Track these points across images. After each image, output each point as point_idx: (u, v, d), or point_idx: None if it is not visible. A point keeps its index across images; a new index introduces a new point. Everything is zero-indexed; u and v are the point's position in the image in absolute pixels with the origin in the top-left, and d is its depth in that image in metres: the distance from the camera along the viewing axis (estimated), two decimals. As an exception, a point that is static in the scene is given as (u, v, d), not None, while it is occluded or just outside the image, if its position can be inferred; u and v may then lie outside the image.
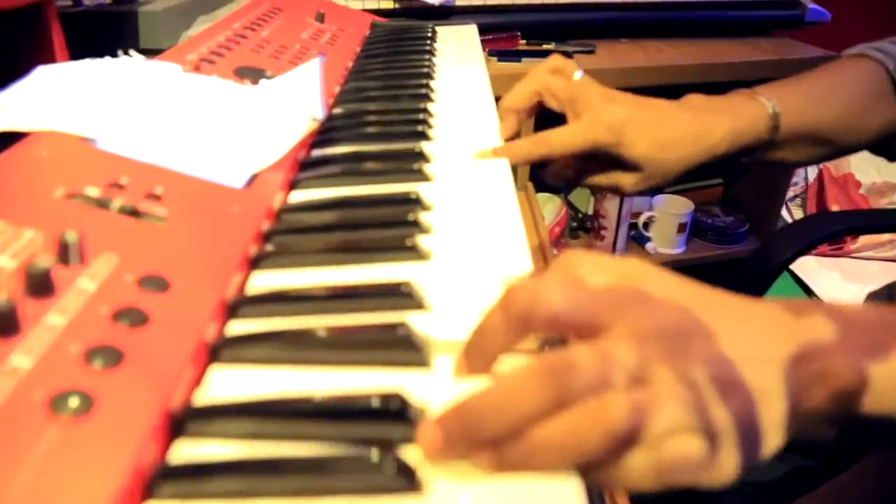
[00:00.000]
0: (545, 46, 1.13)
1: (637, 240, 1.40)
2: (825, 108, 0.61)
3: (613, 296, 0.27)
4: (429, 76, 0.68)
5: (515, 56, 1.09)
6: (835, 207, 2.18)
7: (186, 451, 0.26)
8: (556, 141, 0.54)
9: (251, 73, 0.60)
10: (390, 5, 1.07)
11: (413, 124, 0.54)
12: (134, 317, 0.29)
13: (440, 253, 0.37)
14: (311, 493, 0.24)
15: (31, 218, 0.33)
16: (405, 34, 0.87)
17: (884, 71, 0.62)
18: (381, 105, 0.60)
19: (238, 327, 0.32)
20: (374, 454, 0.24)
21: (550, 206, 1.28)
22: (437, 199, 0.43)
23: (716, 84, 1.19)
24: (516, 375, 0.25)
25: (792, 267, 2.06)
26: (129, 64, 0.54)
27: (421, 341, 0.30)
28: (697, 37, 1.26)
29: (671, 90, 1.15)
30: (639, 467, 0.24)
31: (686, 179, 1.52)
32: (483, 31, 1.08)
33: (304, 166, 0.49)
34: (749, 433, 0.26)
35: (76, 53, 0.86)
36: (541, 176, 0.58)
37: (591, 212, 1.40)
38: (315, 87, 0.49)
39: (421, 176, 0.45)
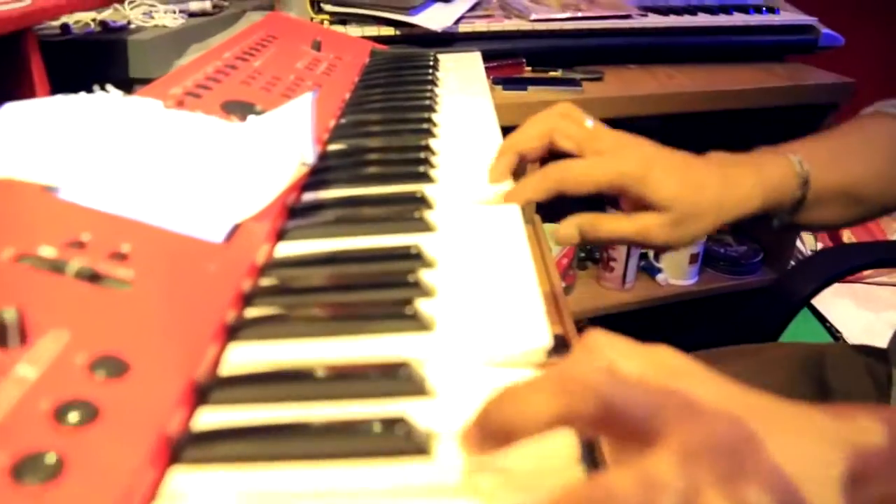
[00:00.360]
0: (552, 74, 1.09)
1: (647, 271, 1.35)
2: (854, 165, 0.58)
3: (661, 398, 0.22)
4: (431, 108, 0.64)
5: (521, 84, 1.05)
6: (846, 233, 2.14)
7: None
8: (578, 172, 0.48)
9: (240, 108, 0.56)
10: (391, 32, 1.03)
11: (414, 164, 0.49)
12: (82, 411, 0.25)
13: (444, 321, 0.32)
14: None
15: (-29, 286, 0.29)
16: (406, 62, 0.83)
17: None
18: (379, 141, 0.56)
19: (209, 417, 0.27)
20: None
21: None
22: (441, 252, 0.38)
23: (730, 111, 1.15)
24: (554, 495, 0.20)
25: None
26: (105, 100, 0.49)
27: (422, 437, 0.25)
28: (709, 62, 1.22)
29: (683, 119, 1.11)
30: None
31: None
32: (487, 57, 1.04)
33: (294, 213, 0.44)
34: None
35: (63, 84, 0.82)
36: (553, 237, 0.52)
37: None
38: (306, 127, 0.45)
39: (423, 225, 0.41)
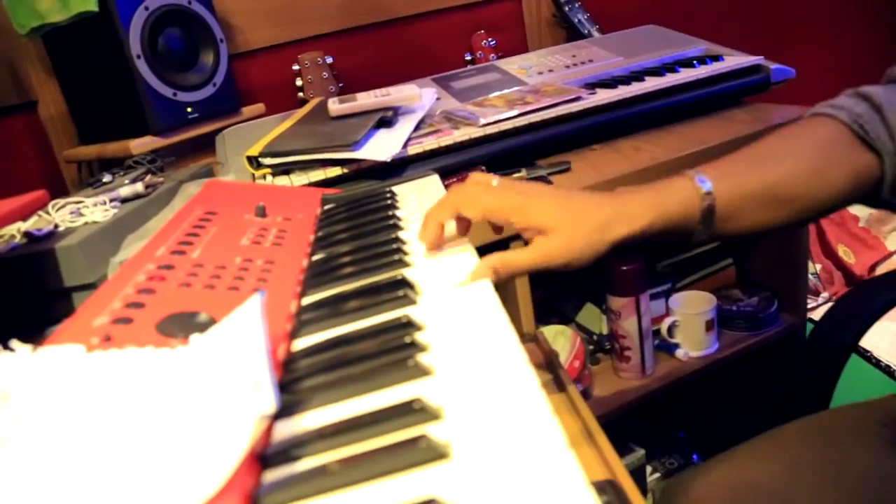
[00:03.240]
0: (516, 175, 1.02)
1: (665, 349, 1.25)
2: (774, 167, 0.62)
3: None
4: (402, 262, 0.56)
5: (486, 192, 0.97)
6: (840, 247, 2.08)
7: None
8: (469, 197, 0.58)
9: (180, 324, 0.46)
10: (338, 172, 0.96)
11: (403, 350, 0.40)
12: None
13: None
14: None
15: None
16: (363, 206, 0.75)
17: (840, 123, 0.63)
18: (355, 321, 0.47)
19: None
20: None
21: (562, 339, 1.14)
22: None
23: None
24: None
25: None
26: (11, 363, 0.40)
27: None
28: (669, 124, 1.17)
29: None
30: None
31: (694, 269, 1.39)
32: (445, 174, 0.98)
33: (267, 460, 0.34)
34: None
35: (7, 307, 0.73)
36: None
37: (605, 331, 1.25)
38: (261, 358, 0.35)
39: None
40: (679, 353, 1.23)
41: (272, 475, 0.33)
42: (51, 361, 0.40)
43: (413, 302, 0.48)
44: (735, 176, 0.62)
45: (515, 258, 0.56)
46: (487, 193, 0.58)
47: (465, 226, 0.61)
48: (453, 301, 0.48)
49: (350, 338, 0.44)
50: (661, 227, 0.59)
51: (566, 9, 1.72)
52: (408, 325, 0.43)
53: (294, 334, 0.49)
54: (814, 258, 2.12)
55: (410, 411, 0.33)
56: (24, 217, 0.78)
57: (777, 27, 2.17)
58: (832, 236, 2.10)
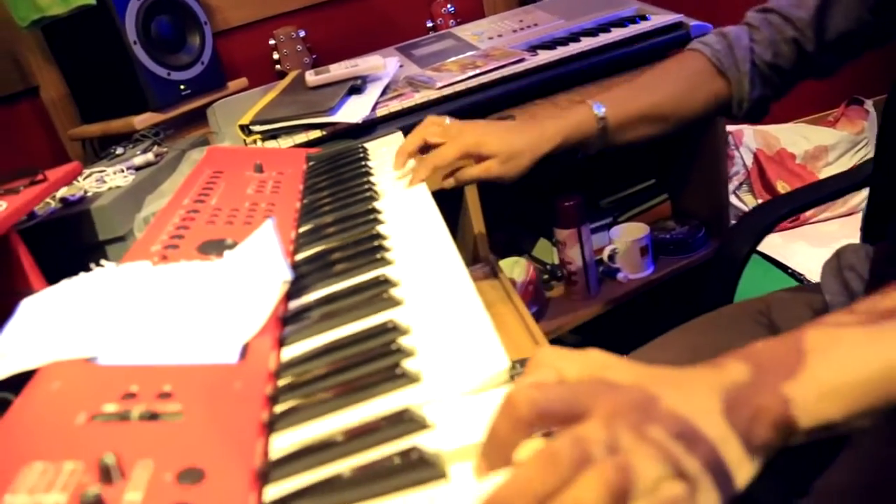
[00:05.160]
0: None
1: (608, 273, 1.45)
2: (651, 94, 0.83)
3: (585, 388, 0.33)
4: (373, 198, 0.74)
5: (444, 145, 1.16)
6: (779, 183, 2.28)
7: None
8: (441, 155, 0.77)
9: (214, 247, 0.65)
10: (318, 134, 1.14)
11: (373, 252, 0.59)
12: (183, 513, 0.33)
13: (428, 370, 0.42)
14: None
15: (65, 450, 0.37)
16: (340, 160, 0.93)
17: (704, 57, 0.82)
18: (337, 241, 0.65)
19: (274, 491, 0.36)
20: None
21: (518, 269, 1.33)
22: (411, 320, 0.47)
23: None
24: (524, 468, 0.30)
25: (760, 248, 2.13)
26: (104, 274, 0.58)
27: (434, 458, 0.34)
28: (603, 79, 1.35)
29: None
30: None
31: (633, 204, 1.59)
32: (408, 132, 1.16)
33: (286, 321, 0.53)
34: (719, 471, 0.31)
35: (44, 262, 0.90)
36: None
37: (556, 261, 1.45)
38: (276, 251, 0.54)
39: (392, 302, 0.50)
40: (620, 276, 1.43)
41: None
42: (131, 270, 0.59)
43: (381, 222, 0.67)
44: (622, 102, 0.82)
45: (468, 171, 0.79)
46: (445, 126, 0.80)
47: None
48: (412, 222, 0.67)
49: (331, 249, 0.63)
50: (568, 144, 0.80)
51: (516, -26, 1.88)
52: (377, 237, 0.62)
53: (296, 252, 0.68)
54: (755, 193, 2.33)
55: (385, 330, 0.47)
56: (67, 184, 0.95)
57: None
58: (772, 173, 2.30)
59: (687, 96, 0.83)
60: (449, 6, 1.89)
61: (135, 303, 0.54)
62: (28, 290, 0.77)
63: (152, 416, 0.40)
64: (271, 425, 0.41)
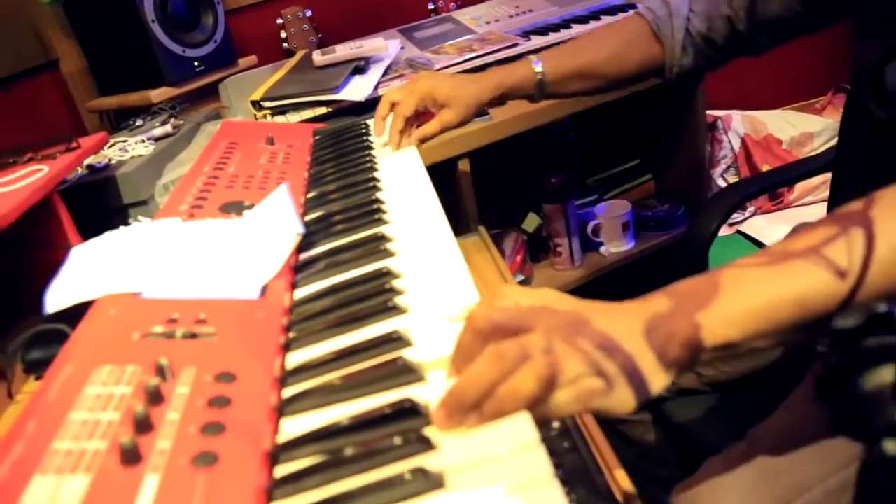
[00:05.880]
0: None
1: (591, 247, 1.55)
2: (588, 53, 0.91)
3: (533, 311, 0.43)
4: (373, 169, 0.84)
5: (440, 123, 1.25)
6: (765, 167, 2.36)
7: None
8: (404, 105, 0.90)
9: (234, 207, 0.75)
10: (324, 111, 1.23)
11: (372, 214, 0.69)
12: (221, 402, 0.43)
13: (414, 305, 0.52)
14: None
15: (127, 357, 0.47)
16: (344, 135, 1.02)
17: (646, 21, 0.89)
18: (340, 205, 0.75)
19: (288, 392, 0.46)
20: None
21: (507, 241, 1.43)
22: (402, 267, 0.58)
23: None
24: (477, 364, 0.40)
25: (743, 229, 2.24)
26: (141, 228, 0.68)
27: (415, 366, 0.44)
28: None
29: (584, 114, 1.28)
30: (564, 399, 0.39)
31: (618, 183, 1.69)
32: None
33: (298, 269, 0.63)
34: (634, 376, 0.41)
35: (75, 222, 1.00)
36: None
37: (543, 234, 1.55)
38: (290, 209, 0.64)
39: (387, 254, 0.60)
40: (602, 249, 1.53)
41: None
42: (164, 225, 0.69)
43: (380, 189, 0.77)
44: (559, 59, 0.91)
45: (428, 127, 0.91)
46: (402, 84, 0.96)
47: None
48: (406, 189, 0.76)
49: (335, 212, 0.73)
50: (510, 94, 0.92)
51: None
52: (376, 202, 0.72)
53: (304, 214, 0.78)
54: (742, 176, 2.42)
55: (381, 275, 0.59)
56: (96, 152, 1.04)
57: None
58: (758, 158, 2.39)
59: (623, 57, 0.90)
60: (450, -11, 1.97)
61: (170, 250, 0.64)
62: (67, 244, 0.87)
63: (192, 336, 0.50)
64: (287, 346, 0.52)
